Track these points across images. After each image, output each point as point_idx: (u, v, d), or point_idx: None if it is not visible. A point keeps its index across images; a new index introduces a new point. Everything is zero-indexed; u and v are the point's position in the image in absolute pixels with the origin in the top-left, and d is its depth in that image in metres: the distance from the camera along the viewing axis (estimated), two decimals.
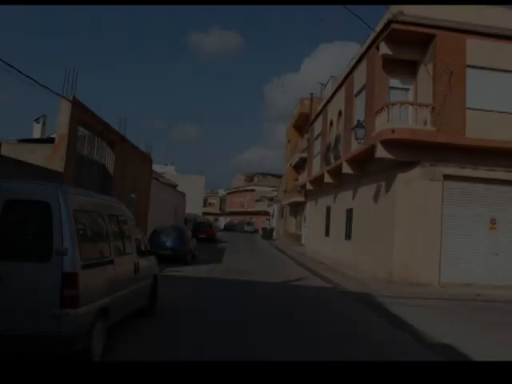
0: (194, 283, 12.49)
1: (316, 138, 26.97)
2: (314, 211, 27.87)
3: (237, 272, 14.92)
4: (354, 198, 18.55)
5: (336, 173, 19.86)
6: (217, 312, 8.63)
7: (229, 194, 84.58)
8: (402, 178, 13.88)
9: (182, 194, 36.61)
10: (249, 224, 60.02)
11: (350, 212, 18.93)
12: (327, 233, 23.16)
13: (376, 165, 15.40)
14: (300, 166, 34.72)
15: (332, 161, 20.35)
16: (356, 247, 17.60)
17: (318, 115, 26.98)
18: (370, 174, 16.47)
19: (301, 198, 32.34)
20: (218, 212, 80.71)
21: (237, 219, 70.04)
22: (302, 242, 31.65)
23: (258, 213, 68.01)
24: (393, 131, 13.15)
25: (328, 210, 23.30)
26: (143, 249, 7.57)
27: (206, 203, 70.97)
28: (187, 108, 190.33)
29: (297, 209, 36.38)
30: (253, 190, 73.12)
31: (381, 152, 13.72)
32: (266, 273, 15.40)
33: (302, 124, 36.25)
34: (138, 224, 8.32)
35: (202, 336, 6.77)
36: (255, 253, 25.05)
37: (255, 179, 77.56)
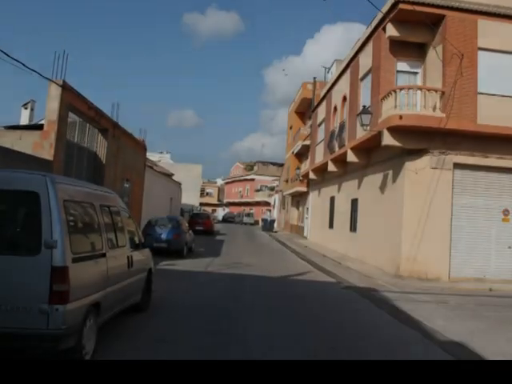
0: (190, 277, 12.12)
1: (319, 125, 26.33)
2: (317, 202, 27.39)
3: (235, 267, 14.45)
4: (359, 187, 18.07)
5: (340, 161, 19.41)
6: (215, 308, 8.28)
7: (227, 183, 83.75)
8: (409, 166, 13.42)
9: (178, 184, 36.10)
10: (248, 215, 59.14)
11: (355, 202, 18.45)
12: (331, 224, 22.71)
13: (383, 153, 14.99)
14: (303, 154, 34.07)
15: (336, 149, 19.84)
16: (361, 240, 17.16)
17: (321, 100, 26.32)
18: (377, 162, 16.03)
19: (303, 188, 31.81)
20: (216, 202, 79.94)
21: (236, 210, 69.50)
22: (305, 234, 31.14)
23: (258, 203, 67.04)
24: (400, 117, 12.72)
25: (332, 200, 22.82)
26: (137, 241, 7.42)
27: (203, 193, 70.27)
28: (184, 93, 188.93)
29: (299, 199, 35.81)
30: (253, 180, 72.04)
31: (388, 139, 13.28)
32: (266, 267, 14.89)
33: (305, 110, 35.63)
34: (132, 215, 8.02)
35: (200, 335, 6.45)
36: (255, 246, 24.61)
37: (255, 168, 76.40)
